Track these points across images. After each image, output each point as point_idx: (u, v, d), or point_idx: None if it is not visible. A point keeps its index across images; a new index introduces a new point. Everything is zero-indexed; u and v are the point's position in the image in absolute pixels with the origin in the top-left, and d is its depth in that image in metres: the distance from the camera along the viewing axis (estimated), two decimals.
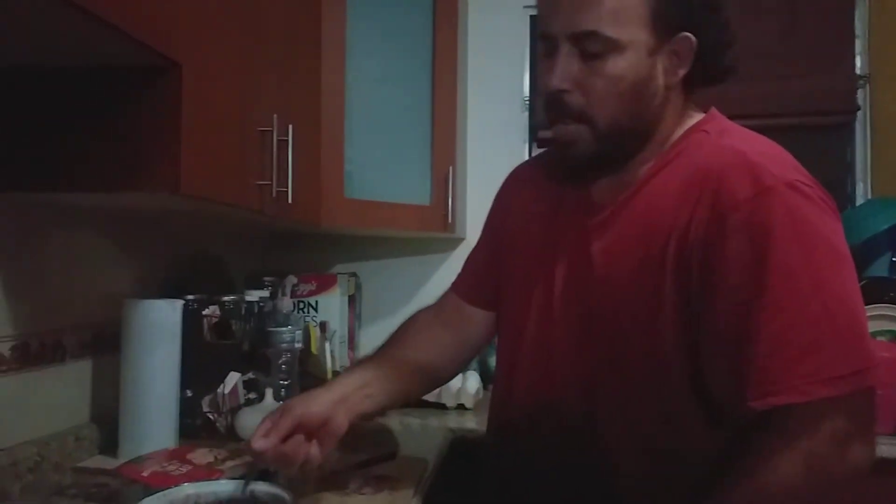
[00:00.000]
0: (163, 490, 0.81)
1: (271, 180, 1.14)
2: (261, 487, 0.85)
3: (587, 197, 0.91)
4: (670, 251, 0.81)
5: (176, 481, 0.95)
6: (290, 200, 1.19)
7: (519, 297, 0.98)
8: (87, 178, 0.93)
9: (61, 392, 1.14)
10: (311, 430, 0.86)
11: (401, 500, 0.97)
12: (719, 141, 0.85)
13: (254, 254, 1.91)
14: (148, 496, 0.80)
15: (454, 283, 1.12)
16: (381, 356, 1.03)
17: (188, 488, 0.83)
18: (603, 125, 0.84)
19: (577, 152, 0.85)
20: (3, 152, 0.94)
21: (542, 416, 0.91)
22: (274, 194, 1.15)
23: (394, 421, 1.50)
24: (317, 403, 0.88)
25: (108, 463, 1.13)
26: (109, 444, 1.18)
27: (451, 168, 1.68)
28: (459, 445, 1.32)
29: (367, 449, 1.26)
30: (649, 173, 0.87)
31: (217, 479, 0.87)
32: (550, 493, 0.90)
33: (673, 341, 0.81)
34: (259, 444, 0.83)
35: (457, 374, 1.10)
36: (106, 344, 1.23)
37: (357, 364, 1.06)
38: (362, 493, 0.99)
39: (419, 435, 1.42)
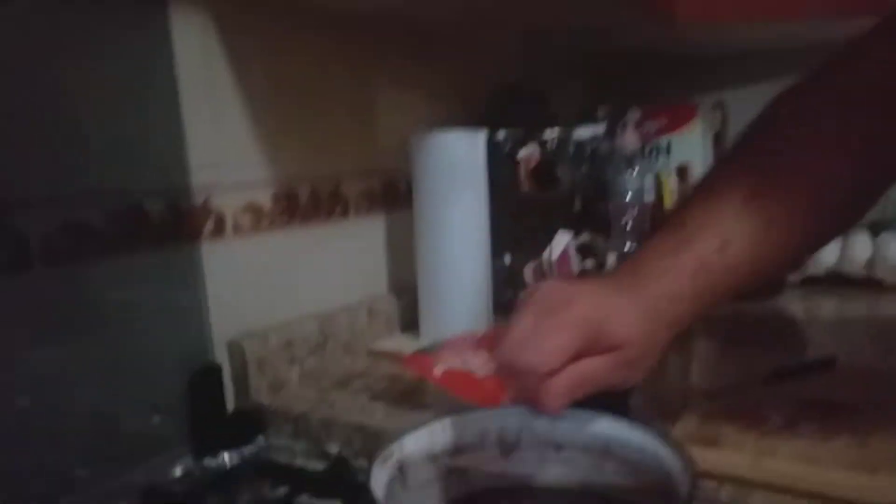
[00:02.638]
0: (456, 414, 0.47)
1: None
2: (612, 428, 0.46)
3: None
4: None
5: (478, 390, 0.62)
6: None
7: None
8: None
9: (347, 254, 0.89)
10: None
11: (883, 457, 0.51)
12: None
13: (583, 86, 1.48)
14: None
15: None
16: (752, 195, 0.50)
17: (482, 418, 0.48)
18: None
19: None
20: None
21: None
22: None
23: (795, 306, 1.01)
24: (625, 320, 0.46)
25: (411, 345, 0.86)
26: (413, 320, 0.92)
27: None
28: None
29: (774, 348, 0.81)
30: None
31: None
32: None
33: None
34: (529, 358, 0.44)
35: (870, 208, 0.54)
36: (402, 196, 0.95)
37: (695, 209, 0.52)
38: (799, 435, 0.56)
39: (835, 327, 0.91)
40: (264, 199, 0.77)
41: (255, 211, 0.75)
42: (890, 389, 0.66)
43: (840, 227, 0.56)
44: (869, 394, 0.64)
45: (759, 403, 0.62)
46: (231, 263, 0.72)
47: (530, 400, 0.45)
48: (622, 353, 0.45)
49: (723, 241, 0.48)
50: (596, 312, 0.45)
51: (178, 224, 0.66)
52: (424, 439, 0.45)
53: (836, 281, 1.06)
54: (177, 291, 0.66)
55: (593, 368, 0.45)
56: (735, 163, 0.54)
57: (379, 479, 0.40)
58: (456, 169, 0.85)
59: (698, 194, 0.53)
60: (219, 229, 0.71)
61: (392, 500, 0.40)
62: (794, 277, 1.08)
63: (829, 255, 1.09)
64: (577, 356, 0.44)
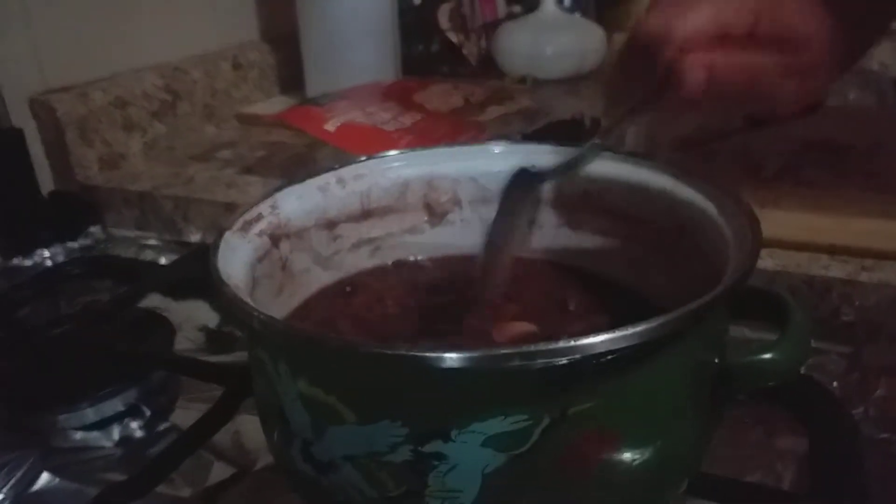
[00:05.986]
0: (358, 159, 0.30)
1: None
2: (601, 165, 0.31)
3: None
4: None
5: (389, 141, 0.46)
6: None
7: None
8: None
9: None
10: None
11: None
12: None
13: None
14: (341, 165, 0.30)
15: None
16: None
17: (400, 164, 0.31)
18: None
19: None
20: None
21: None
22: None
23: None
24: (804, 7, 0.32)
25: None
26: (293, 77, 0.72)
27: None
28: None
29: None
30: None
31: (485, 141, 0.35)
32: None
33: None
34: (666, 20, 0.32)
35: None
36: None
37: None
38: (805, 183, 0.44)
39: None
40: None
41: None
42: (891, 128, 0.54)
43: None
44: (869, 134, 0.52)
45: (745, 149, 0.49)
46: None
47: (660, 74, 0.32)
48: (794, 53, 0.32)
49: None
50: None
51: None
52: (313, 197, 0.28)
53: None
54: None
55: (754, 60, 0.32)
56: None
57: (236, 256, 0.24)
58: None
59: None
60: None
61: (260, 290, 0.24)
62: None
63: None
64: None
